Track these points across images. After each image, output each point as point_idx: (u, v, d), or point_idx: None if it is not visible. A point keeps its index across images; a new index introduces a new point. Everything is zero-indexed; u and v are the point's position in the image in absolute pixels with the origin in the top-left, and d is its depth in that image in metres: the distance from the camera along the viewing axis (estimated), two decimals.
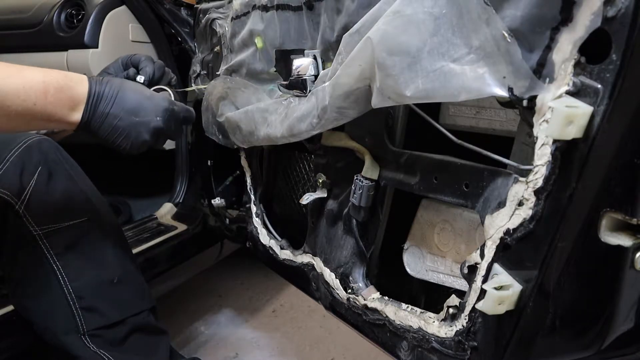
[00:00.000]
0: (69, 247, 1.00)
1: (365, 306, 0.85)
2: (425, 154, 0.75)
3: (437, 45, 0.57)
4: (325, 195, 0.96)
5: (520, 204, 0.56)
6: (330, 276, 0.94)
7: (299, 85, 0.85)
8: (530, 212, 0.56)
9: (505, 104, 0.62)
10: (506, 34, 0.53)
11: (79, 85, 0.82)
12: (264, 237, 1.20)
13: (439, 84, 0.57)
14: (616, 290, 0.54)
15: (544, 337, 0.59)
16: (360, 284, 0.89)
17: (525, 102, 0.53)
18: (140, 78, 0.95)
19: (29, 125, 0.80)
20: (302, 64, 0.85)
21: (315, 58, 0.85)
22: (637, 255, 0.52)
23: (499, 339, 0.62)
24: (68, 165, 1.03)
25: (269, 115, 0.92)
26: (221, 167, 1.43)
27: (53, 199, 0.99)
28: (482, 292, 0.60)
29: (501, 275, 0.60)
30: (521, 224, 0.57)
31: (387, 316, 0.81)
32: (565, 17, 0.49)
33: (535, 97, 0.52)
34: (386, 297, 0.84)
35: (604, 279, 0.55)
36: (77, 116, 0.81)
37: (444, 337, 0.70)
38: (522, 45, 0.52)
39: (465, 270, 0.66)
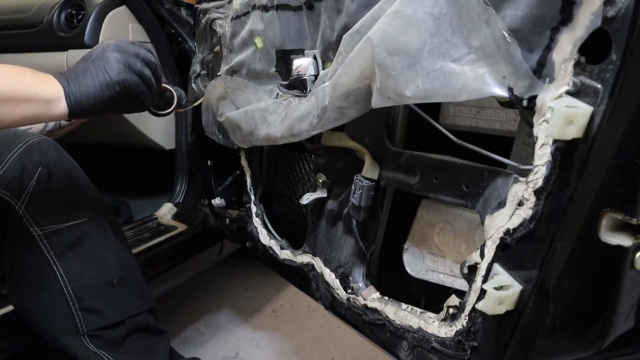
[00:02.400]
0: (69, 247, 1.00)
1: (365, 306, 0.85)
2: (425, 154, 0.75)
3: (437, 45, 0.57)
4: (325, 195, 0.96)
5: (520, 204, 0.56)
6: (330, 276, 0.94)
7: (299, 85, 0.85)
8: (530, 212, 0.56)
9: (505, 104, 0.62)
10: (506, 34, 0.53)
11: (45, 73, 0.87)
12: (264, 237, 1.20)
13: (439, 84, 0.57)
14: (616, 290, 0.54)
15: (544, 337, 0.59)
16: (360, 284, 0.89)
17: (525, 102, 0.53)
18: None
19: (20, 108, 0.81)
20: (302, 64, 0.85)
21: (315, 58, 0.85)
22: (637, 255, 0.52)
23: (499, 339, 0.62)
24: (68, 165, 1.03)
25: (269, 115, 0.92)
26: (221, 167, 1.43)
27: (53, 200, 0.99)
28: (482, 292, 0.60)
29: (501, 275, 0.60)
30: (521, 224, 0.57)
31: (387, 316, 0.81)
32: (565, 17, 0.49)
33: (535, 97, 0.52)
34: (386, 297, 0.84)
35: (604, 279, 0.55)
36: (58, 89, 0.84)
37: (444, 337, 0.70)
38: (522, 45, 0.52)
39: (465, 270, 0.66)
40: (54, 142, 1.03)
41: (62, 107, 0.84)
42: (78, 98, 0.85)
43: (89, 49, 0.92)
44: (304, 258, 1.05)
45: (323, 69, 0.84)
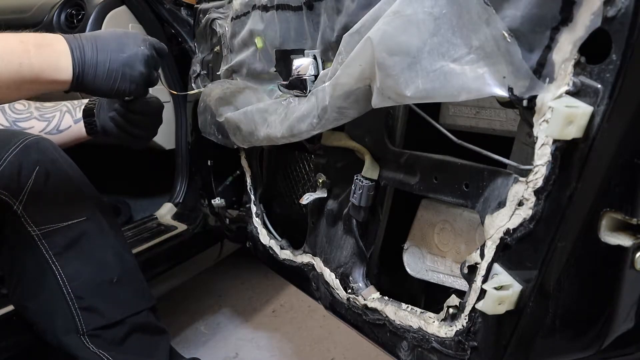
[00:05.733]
0: (68, 247, 1.00)
1: (365, 306, 0.85)
2: (425, 154, 0.75)
3: (437, 45, 0.57)
4: (325, 195, 0.96)
5: (520, 204, 0.56)
6: (330, 276, 0.94)
7: (299, 85, 0.85)
8: (530, 212, 0.56)
9: (505, 104, 0.62)
10: (506, 34, 0.53)
11: (56, 41, 0.81)
12: (264, 237, 1.20)
13: (439, 84, 0.57)
14: (616, 290, 0.54)
15: (543, 337, 0.59)
16: (360, 284, 0.89)
17: (525, 102, 0.53)
18: None
19: (20, 90, 0.78)
20: (302, 64, 0.85)
21: (315, 58, 0.85)
22: (637, 255, 0.52)
23: (499, 339, 0.62)
24: (66, 164, 1.03)
25: (268, 115, 0.92)
26: (221, 167, 1.43)
27: (51, 199, 0.99)
28: (482, 292, 0.60)
29: (501, 275, 0.60)
30: (521, 224, 0.57)
31: (387, 316, 0.81)
32: (565, 17, 0.49)
33: (535, 97, 0.52)
34: (386, 297, 0.84)
35: (604, 279, 0.55)
36: (66, 72, 0.80)
37: (444, 337, 0.70)
38: (522, 45, 0.52)
39: (465, 270, 0.66)
40: (51, 142, 1.03)
41: (62, 86, 0.82)
42: (89, 78, 0.82)
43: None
44: (304, 258, 1.05)
45: (323, 69, 0.84)
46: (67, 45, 0.82)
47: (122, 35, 0.87)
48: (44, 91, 0.82)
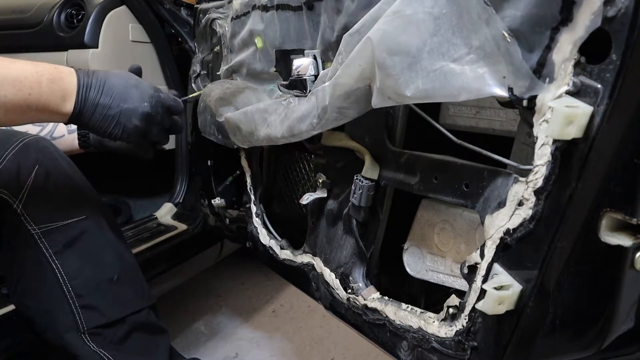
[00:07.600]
0: (68, 245, 1.00)
1: (365, 306, 0.85)
2: (425, 154, 0.75)
3: (437, 45, 0.57)
4: (325, 195, 0.96)
5: (520, 204, 0.56)
6: (330, 276, 0.94)
7: (299, 85, 0.85)
8: (530, 212, 0.56)
9: (505, 104, 0.62)
10: (506, 34, 0.53)
11: (69, 76, 0.85)
12: (264, 237, 1.20)
13: (439, 84, 0.57)
14: (616, 290, 0.54)
15: (544, 337, 0.59)
16: (360, 284, 0.89)
17: (525, 102, 0.53)
18: None
19: (25, 116, 0.82)
20: (302, 64, 0.85)
21: (315, 58, 0.85)
22: (637, 255, 0.52)
23: (499, 339, 0.62)
24: (65, 163, 1.03)
25: (268, 115, 0.92)
26: (221, 167, 1.43)
27: (51, 198, 0.99)
28: (482, 292, 0.60)
29: (501, 275, 0.60)
30: (521, 224, 0.57)
31: (387, 316, 0.81)
32: (565, 17, 0.49)
33: (535, 97, 0.52)
34: (386, 297, 0.84)
35: (604, 279, 0.55)
36: (69, 107, 0.84)
37: (444, 337, 0.70)
38: (522, 45, 0.52)
39: (465, 270, 0.66)
40: (50, 142, 1.03)
41: (62, 119, 0.86)
42: (86, 116, 0.86)
43: (116, 71, 0.90)
44: (304, 258, 1.05)
45: (323, 69, 0.84)
46: (76, 81, 0.85)
47: (132, 85, 0.89)
48: (46, 120, 0.86)
